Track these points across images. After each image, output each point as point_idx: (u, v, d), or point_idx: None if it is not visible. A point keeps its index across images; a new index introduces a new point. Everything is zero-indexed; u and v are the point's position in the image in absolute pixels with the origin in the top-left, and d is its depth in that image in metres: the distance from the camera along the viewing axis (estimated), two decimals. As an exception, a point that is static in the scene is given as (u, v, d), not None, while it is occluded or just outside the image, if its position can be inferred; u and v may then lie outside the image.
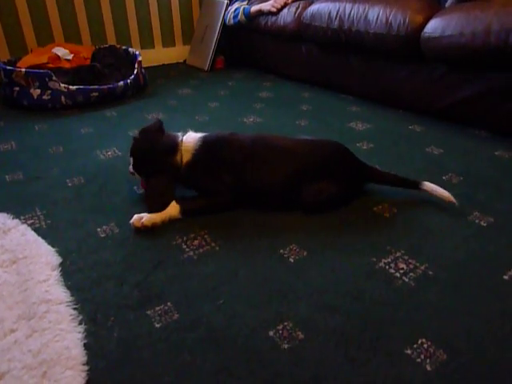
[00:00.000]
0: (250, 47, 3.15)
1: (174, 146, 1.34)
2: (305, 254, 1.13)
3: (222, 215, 1.31)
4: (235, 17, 2.99)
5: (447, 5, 2.04)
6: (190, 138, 1.37)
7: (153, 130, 1.40)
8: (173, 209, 1.29)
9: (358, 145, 1.81)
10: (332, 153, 1.36)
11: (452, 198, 1.29)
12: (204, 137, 1.38)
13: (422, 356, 0.83)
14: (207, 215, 1.32)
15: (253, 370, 0.81)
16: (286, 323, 0.91)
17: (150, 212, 1.27)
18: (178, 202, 1.30)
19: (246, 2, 3.05)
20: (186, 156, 1.34)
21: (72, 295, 0.99)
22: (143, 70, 2.69)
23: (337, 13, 2.27)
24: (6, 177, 1.57)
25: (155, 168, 1.34)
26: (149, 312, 0.95)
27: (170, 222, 1.27)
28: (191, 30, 3.53)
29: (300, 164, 1.32)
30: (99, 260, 1.12)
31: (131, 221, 1.25)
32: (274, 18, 2.75)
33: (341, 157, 1.37)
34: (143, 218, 1.24)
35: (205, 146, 1.35)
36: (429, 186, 1.33)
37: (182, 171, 1.34)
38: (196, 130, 1.42)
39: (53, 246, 1.16)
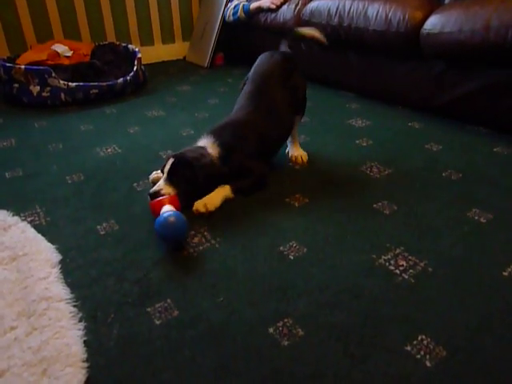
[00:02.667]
0: (249, 44, 3.14)
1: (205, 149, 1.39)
2: (304, 250, 1.14)
3: (222, 212, 1.31)
4: (235, 13, 2.98)
5: (446, 1, 2.03)
6: (206, 140, 1.43)
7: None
8: (225, 190, 1.37)
9: (357, 141, 1.81)
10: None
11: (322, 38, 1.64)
12: (213, 132, 1.45)
13: (422, 352, 0.84)
14: (252, 193, 1.41)
15: (252, 367, 0.81)
16: (285, 320, 0.92)
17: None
18: (230, 186, 1.38)
19: (245, -1, 3.04)
20: (215, 154, 1.39)
21: (72, 292, 0.99)
22: (143, 67, 2.68)
23: (336, 9, 2.27)
24: (6, 174, 1.57)
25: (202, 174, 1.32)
26: (149, 309, 0.95)
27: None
28: (191, 27, 3.52)
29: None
30: (99, 257, 1.12)
31: (195, 208, 1.29)
32: (273, 15, 2.75)
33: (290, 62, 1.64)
34: (206, 204, 1.30)
35: (221, 138, 1.42)
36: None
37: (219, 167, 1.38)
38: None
39: (53, 243, 1.16)
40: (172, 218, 1.13)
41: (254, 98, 1.53)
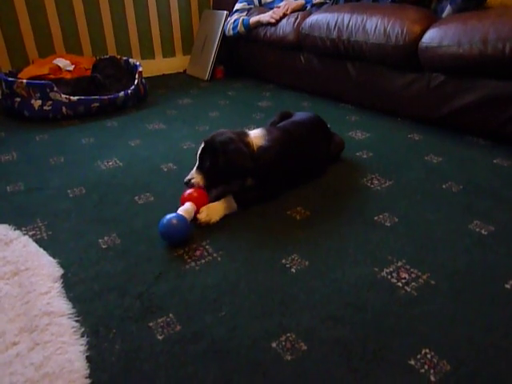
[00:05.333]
0: (249, 57, 3.17)
1: (246, 137, 1.40)
2: (306, 264, 1.14)
3: (223, 225, 1.32)
4: (234, 28, 3.01)
5: (444, 15, 2.06)
6: (255, 132, 1.46)
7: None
8: (232, 206, 1.36)
9: (357, 154, 1.82)
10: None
11: None
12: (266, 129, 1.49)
13: (426, 366, 0.83)
14: (258, 205, 1.41)
15: (255, 382, 0.81)
16: (288, 334, 0.91)
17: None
18: (233, 196, 1.37)
19: (245, 13, 3.08)
20: (256, 144, 1.40)
21: (74, 307, 0.99)
22: (143, 81, 2.70)
23: (335, 23, 2.30)
24: (7, 188, 1.57)
25: (233, 158, 1.32)
26: (151, 324, 0.95)
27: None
28: (191, 41, 3.56)
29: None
30: (101, 271, 1.12)
31: (202, 218, 1.29)
32: (273, 29, 2.78)
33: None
34: (208, 214, 1.31)
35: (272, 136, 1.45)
36: None
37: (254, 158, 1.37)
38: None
39: (54, 258, 1.16)
40: (174, 221, 1.21)
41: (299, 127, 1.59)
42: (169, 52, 3.51)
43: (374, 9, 2.20)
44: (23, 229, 1.30)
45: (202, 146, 1.35)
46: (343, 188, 1.54)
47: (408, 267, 1.11)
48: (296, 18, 2.64)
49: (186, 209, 1.27)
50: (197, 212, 1.31)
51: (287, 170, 1.48)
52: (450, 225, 1.29)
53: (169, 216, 1.22)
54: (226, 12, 3.09)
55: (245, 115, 2.38)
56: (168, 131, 2.16)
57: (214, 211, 1.33)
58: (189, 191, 1.33)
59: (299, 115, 1.70)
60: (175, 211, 1.26)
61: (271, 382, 0.81)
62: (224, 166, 1.31)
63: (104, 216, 1.38)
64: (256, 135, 1.43)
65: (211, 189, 1.39)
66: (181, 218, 1.22)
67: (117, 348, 0.89)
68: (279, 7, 2.84)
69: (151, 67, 3.37)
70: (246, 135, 1.41)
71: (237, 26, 3.00)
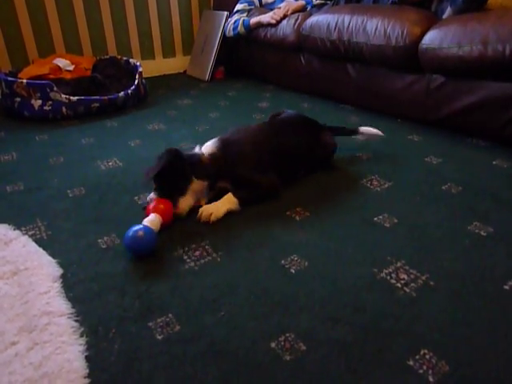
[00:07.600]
0: (249, 58, 3.17)
1: (198, 156, 1.42)
2: (306, 264, 1.14)
3: (223, 226, 1.32)
4: (235, 28, 3.02)
5: (444, 16, 2.06)
6: (208, 145, 1.47)
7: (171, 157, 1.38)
8: (232, 202, 1.38)
9: (357, 155, 1.82)
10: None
11: (380, 133, 1.78)
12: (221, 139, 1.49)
13: (425, 367, 0.83)
14: (259, 203, 1.43)
15: (254, 382, 0.81)
16: (287, 335, 0.91)
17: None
18: (234, 195, 1.39)
19: (245, 14, 3.08)
20: (213, 158, 1.42)
21: (73, 307, 0.99)
22: (144, 81, 2.70)
23: (335, 24, 2.30)
24: (7, 187, 1.57)
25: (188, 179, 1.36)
26: (150, 324, 0.95)
27: (172, 233, 1.28)
28: (191, 41, 3.56)
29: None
30: (100, 271, 1.12)
31: (199, 215, 1.34)
32: (273, 30, 2.78)
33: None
34: (213, 213, 1.33)
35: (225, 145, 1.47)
36: (363, 129, 1.79)
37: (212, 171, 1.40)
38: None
39: (54, 258, 1.16)
40: (140, 233, 1.17)
41: (280, 124, 1.64)
42: (169, 52, 3.51)
43: (375, 10, 2.20)
44: (23, 229, 1.30)
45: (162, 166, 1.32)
46: (343, 189, 1.54)
47: (407, 268, 1.11)
48: (296, 19, 2.65)
49: (151, 220, 1.23)
50: (163, 224, 1.26)
51: (265, 167, 1.47)
52: (449, 226, 1.29)
53: (135, 228, 1.17)
54: (226, 13, 3.10)
55: (245, 116, 2.38)
56: (168, 131, 2.16)
57: (215, 208, 1.35)
58: (154, 204, 1.30)
59: (285, 113, 1.78)
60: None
61: (270, 382, 0.81)
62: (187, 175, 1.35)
63: (103, 216, 1.38)
64: (208, 149, 1.45)
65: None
66: (147, 229, 1.18)
67: (116, 348, 0.89)
68: (280, 8, 2.84)
69: (151, 67, 3.37)
70: (201, 154, 1.43)
71: (237, 26, 3.00)
